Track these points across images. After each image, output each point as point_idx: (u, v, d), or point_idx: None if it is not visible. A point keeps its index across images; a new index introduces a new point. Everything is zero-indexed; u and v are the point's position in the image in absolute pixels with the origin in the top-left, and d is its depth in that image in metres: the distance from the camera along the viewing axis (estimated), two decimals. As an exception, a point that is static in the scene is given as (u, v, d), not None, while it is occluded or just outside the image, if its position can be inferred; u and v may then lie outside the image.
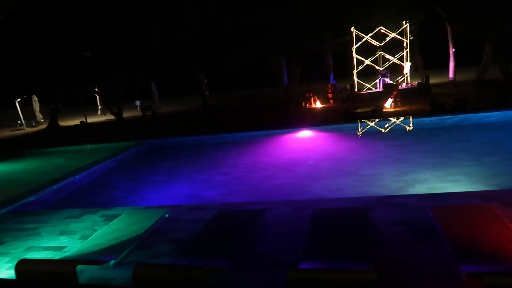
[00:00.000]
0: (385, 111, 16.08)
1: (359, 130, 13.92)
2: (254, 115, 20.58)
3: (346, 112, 15.76)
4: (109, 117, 26.50)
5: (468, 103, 14.56)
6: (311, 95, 21.89)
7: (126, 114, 24.87)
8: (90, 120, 27.64)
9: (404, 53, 22.98)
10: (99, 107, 32.62)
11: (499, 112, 13.38)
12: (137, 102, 32.52)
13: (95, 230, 5.77)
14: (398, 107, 17.42)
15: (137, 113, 29.15)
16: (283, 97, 22.93)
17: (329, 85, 23.59)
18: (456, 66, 24.64)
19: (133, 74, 20.13)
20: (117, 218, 5.90)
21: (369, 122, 14.44)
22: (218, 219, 5.47)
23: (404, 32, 22.72)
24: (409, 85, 22.34)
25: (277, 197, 7.46)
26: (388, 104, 17.76)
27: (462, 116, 13.39)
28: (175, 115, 25.92)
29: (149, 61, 18.91)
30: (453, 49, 24.41)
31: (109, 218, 6.25)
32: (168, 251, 5.03)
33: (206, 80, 28.51)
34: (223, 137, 14.93)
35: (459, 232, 4.21)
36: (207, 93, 28.66)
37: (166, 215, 5.98)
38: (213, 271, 4.10)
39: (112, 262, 4.65)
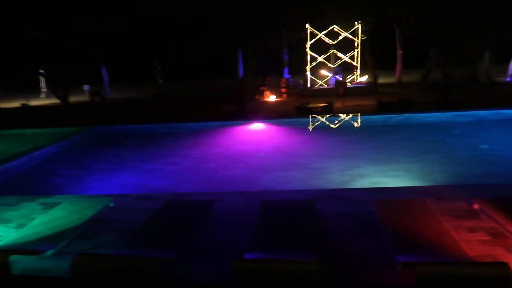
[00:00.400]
0: (335, 108, 16.55)
1: (310, 124, 14.25)
2: (208, 106, 20.39)
3: (299, 106, 16.04)
4: (54, 100, 25.08)
5: (412, 103, 15.35)
6: (265, 88, 22.03)
7: (73, 99, 23.67)
8: (33, 103, 26.00)
9: (356, 52, 23.73)
10: (43, 89, 30.75)
11: (439, 113, 14.26)
12: (86, 87, 30.96)
13: (33, 219, 5.46)
14: (344, 102, 17.98)
15: (85, 98, 27.83)
16: (237, 89, 22.91)
17: (283, 80, 23.85)
18: (403, 68, 25.88)
19: (82, 57, 19.14)
20: (58, 206, 5.63)
21: (320, 117, 14.82)
22: (166, 209, 5.39)
23: (356, 32, 23.45)
24: (359, 83, 23.15)
25: (227, 188, 7.47)
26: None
27: (406, 115, 14.11)
28: (126, 102, 25.04)
29: (100, 44, 18.06)
30: (401, 52, 25.61)
31: (48, 207, 5.95)
32: (111, 241, 4.89)
33: (160, 68, 27.78)
34: (174, 126, 14.67)
35: (397, 224, 4.46)
36: (161, 81, 27.95)
37: (111, 204, 5.79)
38: (158, 261, 4.04)
39: (50, 252, 4.44)
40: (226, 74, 30.45)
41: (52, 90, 22.40)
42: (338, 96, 18.57)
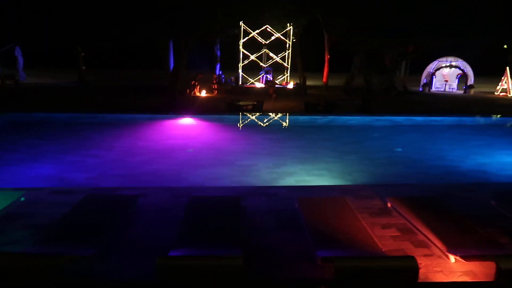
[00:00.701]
0: (265, 108, 16.88)
1: (240, 122, 14.38)
2: (137, 97, 19.61)
3: (230, 103, 16.10)
4: (-43, 82, 22.36)
5: (337, 106, 16.21)
6: (196, 83, 21.76)
7: (-21, 81, 21.30)
8: None
9: (287, 53, 24.41)
10: None
11: (360, 117, 15.24)
12: (-4, 68, 28.04)
13: None
14: (275, 103, 18.44)
15: (-6, 81, 25.18)
16: (168, 82, 22.32)
17: (215, 76, 23.76)
18: (329, 72, 27.21)
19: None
20: (-41, 200, 5.04)
21: (250, 115, 15.02)
22: (86, 204, 5.08)
23: (288, 34, 24.13)
24: (284, 84, 23.89)
25: (154, 183, 7.27)
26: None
27: (331, 117, 14.87)
28: (44, 88, 23.10)
29: (14, 22, 16.37)
30: (328, 56, 26.89)
31: None
32: (23, 238, 4.50)
33: (84, 54, 26.06)
34: (99, 116, 13.90)
35: (318, 221, 4.69)
36: (84, 68, 26.25)
37: (22, 199, 5.32)
38: (76, 259, 3.80)
39: None
40: (156, 65, 29.51)
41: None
42: (269, 95, 18.97)
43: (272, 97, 18.64)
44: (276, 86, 21.98)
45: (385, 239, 4.71)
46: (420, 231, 4.61)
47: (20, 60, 27.23)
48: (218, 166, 8.62)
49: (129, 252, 4.30)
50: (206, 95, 21.59)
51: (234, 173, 8.11)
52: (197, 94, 21.61)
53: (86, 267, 3.93)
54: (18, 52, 26.74)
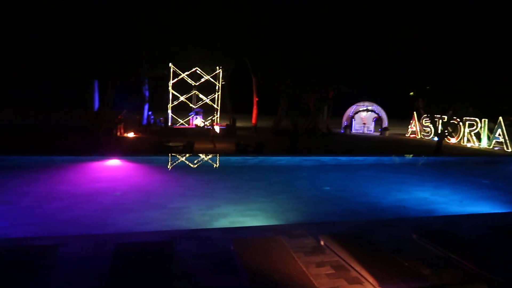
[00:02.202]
0: (196, 148, 16.72)
1: (170, 163, 14.02)
2: (55, 138, 18.32)
3: (159, 144, 15.71)
4: None
5: (266, 147, 16.60)
6: (119, 122, 21.00)
7: None
8: None
9: (216, 95, 24.79)
10: None
11: (288, 157, 15.73)
12: None
13: None
14: (215, 144, 18.40)
15: None
16: (92, 122, 21.23)
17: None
18: (258, 114, 28.04)
19: None
20: None
21: (180, 156, 14.75)
22: (-7, 259, 4.47)
23: (217, 76, 24.64)
24: (218, 125, 24.08)
25: (75, 231, 6.66)
26: (199, 121, 18.73)
27: (261, 157, 15.15)
28: None
29: None
30: (257, 98, 27.80)
31: None
32: None
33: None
34: (10, 159, 12.66)
35: (254, 262, 4.60)
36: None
37: None
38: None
39: None
40: (76, 104, 28.06)
41: None
42: (206, 137, 18.93)
43: (211, 136, 18.63)
44: (214, 126, 21.96)
45: (321, 277, 4.74)
46: (352, 267, 4.72)
47: None
48: (147, 209, 8.21)
49: (46, 311, 3.81)
50: (133, 135, 20.88)
51: (165, 217, 7.77)
52: (125, 134, 20.82)
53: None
54: None
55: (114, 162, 13.30)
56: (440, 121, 23.26)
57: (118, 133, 20.83)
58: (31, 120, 26.46)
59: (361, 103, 30.86)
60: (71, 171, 11.75)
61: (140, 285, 4.02)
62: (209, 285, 4.47)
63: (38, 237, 6.00)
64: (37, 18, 14.31)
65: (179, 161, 14.30)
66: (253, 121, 27.75)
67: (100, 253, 5.16)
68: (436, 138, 21.30)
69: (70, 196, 9.02)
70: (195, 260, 5.11)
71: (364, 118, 31.43)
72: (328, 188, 11.49)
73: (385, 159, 17.12)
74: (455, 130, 24.39)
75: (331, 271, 4.94)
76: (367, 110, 31.00)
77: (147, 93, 26.84)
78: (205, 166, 14.18)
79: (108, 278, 4.17)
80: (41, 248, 4.89)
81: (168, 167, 13.69)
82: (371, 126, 31.53)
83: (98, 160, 13.24)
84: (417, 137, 28.92)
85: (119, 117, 20.99)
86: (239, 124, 26.60)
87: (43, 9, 14.16)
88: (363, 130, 31.36)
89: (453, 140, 25.33)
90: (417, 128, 29.13)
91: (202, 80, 24.40)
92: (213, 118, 23.32)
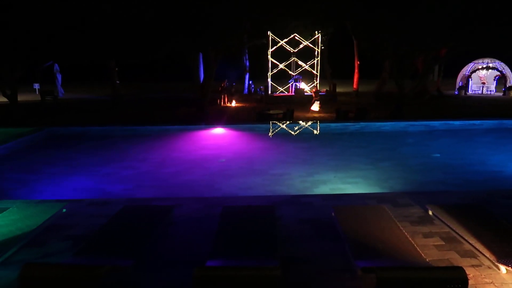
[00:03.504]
0: (296, 116, 16.77)
1: (271, 131, 14.34)
2: (168, 109, 20.01)
3: (259, 112, 16.11)
4: (1, 99, 23.60)
5: (368, 112, 15.89)
6: (225, 93, 21.97)
7: (23, 98, 22.37)
8: (-24, 101, 24.29)
9: (315, 61, 24.26)
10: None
11: (393, 123, 14.85)
12: (36, 86, 29.42)
13: (-25, 226, 5.05)
14: (321, 111, 18.25)
15: (35, 97, 26.43)
16: (198, 93, 22.64)
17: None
18: (359, 78, 26.80)
19: (32, 53, 18.04)
20: (4, 212, 5.24)
21: (281, 124, 14.96)
22: (122, 215, 5.17)
23: (316, 41, 24.00)
24: (323, 91, 23.68)
25: (187, 193, 7.32)
26: (315, 107, 18.59)
27: (363, 124, 14.57)
28: (80, 103, 24.04)
29: (53, 40, 17.09)
30: (358, 62, 26.51)
31: (-7, 212, 5.52)
32: (64, 249, 4.61)
33: (117, 68, 26.93)
34: (132, 129, 14.26)
35: (356, 230, 4.54)
36: (118, 82, 27.10)
37: (64, 210, 5.47)
38: (114, 270, 3.84)
39: (-6, 261, 4.11)
40: (186, 77, 30.07)
41: (-2, 88, 20.98)
42: (316, 102, 18.85)
43: (314, 102, 18.50)
44: (320, 93, 21.69)
45: (428, 248, 4.49)
46: (466, 240, 4.37)
47: (59, 77, 28.51)
48: (250, 175, 8.59)
49: (166, 263, 4.31)
50: (235, 104, 21.74)
51: (267, 182, 8.05)
52: (227, 104, 21.79)
53: (125, 277, 3.97)
54: (56, 69, 28.00)
55: (219, 131, 14.09)
56: None
57: (222, 103, 21.87)
58: (149, 94, 29.17)
59: (480, 60, 27.37)
60: (182, 139, 12.78)
61: (248, 245, 4.29)
62: (311, 250, 4.56)
63: (158, 197, 6.73)
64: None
65: (279, 128, 14.53)
66: (355, 85, 26.65)
67: (209, 214, 5.60)
68: None
69: (182, 162, 9.87)
70: (296, 225, 5.24)
71: (483, 77, 27.92)
72: (438, 155, 10.62)
73: (509, 122, 15.09)
74: None
75: (441, 242, 4.64)
76: (488, 68, 27.41)
77: (247, 63, 27.51)
78: (305, 133, 14.18)
79: (218, 236, 4.52)
80: (161, 208, 5.49)
81: (269, 134, 14.02)
82: (492, 86, 27.89)
83: (204, 129, 14.16)
84: (551, 96, 24.86)
85: (222, 85, 21.93)
86: (339, 89, 25.81)
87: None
88: (482, 90, 27.93)
89: None
90: (552, 86, 24.99)
91: (301, 46, 24.04)
92: (315, 85, 22.93)
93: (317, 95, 19.02)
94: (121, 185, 8.05)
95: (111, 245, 4.35)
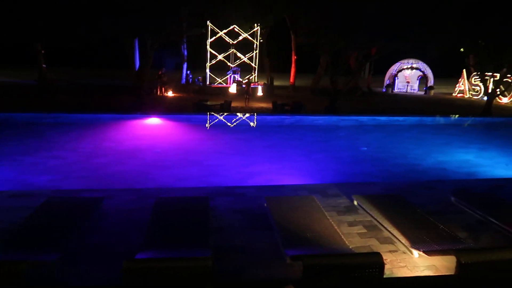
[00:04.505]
0: (233, 106, 16.83)
1: (208, 121, 14.28)
2: (102, 96, 19.05)
3: (197, 103, 15.96)
4: None
5: (304, 106, 16.42)
6: (161, 82, 21.38)
7: None
8: None
9: (254, 53, 24.47)
10: None
11: (326, 117, 15.52)
12: None
13: None
14: (247, 104, 18.42)
15: None
16: (134, 81, 21.82)
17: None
18: (296, 72, 27.50)
19: None
20: None
21: (218, 115, 14.95)
22: (47, 207, 4.89)
23: (256, 34, 24.20)
24: (256, 84, 23.93)
25: (119, 185, 7.08)
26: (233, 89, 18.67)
27: (298, 117, 15.05)
28: (2, 87, 22.01)
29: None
30: (295, 57, 27.17)
31: None
32: (-22, 245, 4.26)
33: (43, 51, 24.98)
34: (61, 116, 13.41)
35: (287, 220, 4.73)
36: (44, 65, 25.18)
37: (-21, 203, 5.05)
38: (37, 265, 3.65)
39: None
40: (121, 64, 28.82)
41: None
42: (243, 94, 18.91)
43: (246, 95, 18.58)
44: (251, 86, 21.85)
45: (352, 236, 4.82)
46: (385, 227, 4.75)
47: (-26, 57, 25.77)
48: (186, 166, 8.52)
49: (94, 256, 4.18)
50: (172, 95, 21.28)
51: (202, 173, 8.05)
52: (164, 93, 21.26)
53: (50, 273, 3.79)
54: (-28, 49, 25.31)
55: (154, 120, 13.74)
56: (492, 79, 21.81)
57: (159, 92, 21.30)
58: (82, 80, 27.50)
59: (405, 61, 29.40)
60: (115, 128, 12.28)
61: (180, 236, 4.28)
62: (243, 240, 4.67)
63: (87, 189, 6.43)
64: None
65: (216, 119, 14.53)
66: (291, 80, 27.31)
67: (142, 206, 5.49)
68: (485, 98, 20.11)
69: (115, 152, 9.51)
70: (230, 216, 5.32)
71: (408, 76, 30.06)
72: (365, 148, 11.32)
73: (428, 119, 16.47)
74: (508, 88, 22.85)
75: (363, 230, 5.00)
76: (412, 68, 29.55)
77: (185, 52, 26.99)
78: (242, 125, 14.32)
79: (150, 228, 4.46)
80: (90, 199, 5.28)
81: (206, 125, 13.96)
82: (415, 85, 30.15)
83: (139, 118, 13.72)
84: (465, 96, 27.44)
85: (159, 73, 21.27)
86: (277, 83, 26.31)
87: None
88: (407, 89, 30.08)
89: (504, 100, 23.84)
90: (466, 87, 27.56)
91: (240, 38, 24.09)
92: (250, 78, 23.11)
93: (248, 86, 19.10)
94: (48, 176, 7.58)
95: (34, 239, 4.12)
